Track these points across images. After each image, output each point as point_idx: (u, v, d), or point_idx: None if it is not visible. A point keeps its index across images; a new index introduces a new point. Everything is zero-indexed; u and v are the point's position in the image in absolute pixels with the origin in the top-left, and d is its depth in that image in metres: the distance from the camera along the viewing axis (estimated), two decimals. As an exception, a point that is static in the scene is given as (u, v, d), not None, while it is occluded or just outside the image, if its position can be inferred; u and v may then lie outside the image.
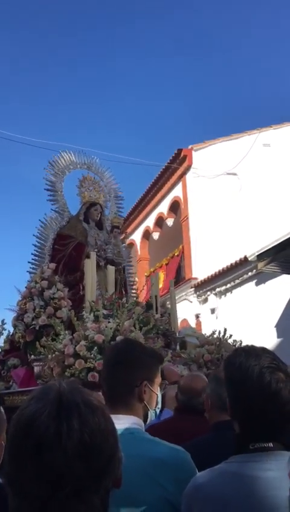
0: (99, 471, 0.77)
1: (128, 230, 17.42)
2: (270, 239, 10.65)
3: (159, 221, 16.65)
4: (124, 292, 5.76)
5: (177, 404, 2.91)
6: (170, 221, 15.95)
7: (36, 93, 36.90)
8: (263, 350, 1.41)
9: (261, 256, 10.83)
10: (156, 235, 16.96)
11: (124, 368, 1.57)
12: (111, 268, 5.13)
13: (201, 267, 13.57)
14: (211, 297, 13.31)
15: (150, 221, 17.17)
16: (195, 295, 13.87)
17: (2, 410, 1.89)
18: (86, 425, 0.77)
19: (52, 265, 4.93)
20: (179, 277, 14.93)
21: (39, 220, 5.75)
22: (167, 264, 15.90)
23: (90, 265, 4.78)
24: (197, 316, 13.62)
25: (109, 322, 4.07)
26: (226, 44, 36.46)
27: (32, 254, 5.70)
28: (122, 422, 1.43)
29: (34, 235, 5.72)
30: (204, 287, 13.42)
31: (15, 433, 0.78)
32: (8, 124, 38.11)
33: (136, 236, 17.95)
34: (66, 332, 4.18)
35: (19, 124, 36.76)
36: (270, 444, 1.29)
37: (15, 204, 38.26)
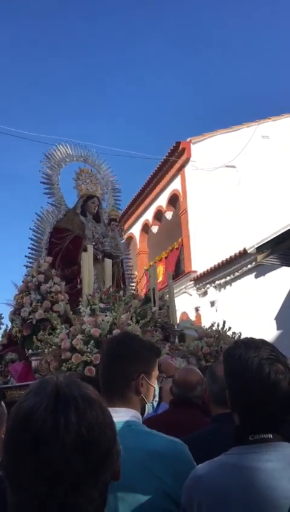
0: (97, 465, 0.77)
1: (127, 223, 17.39)
2: (269, 231, 10.62)
3: (158, 215, 16.61)
4: (122, 285, 5.72)
5: (173, 398, 2.90)
6: (169, 215, 15.91)
7: (32, 86, 36.75)
8: (263, 342, 1.42)
9: (260, 249, 10.81)
10: (155, 229, 16.93)
11: (122, 361, 1.57)
12: (108, 262, 5.08)
13: (200, 260, 13.56)
14: (211, 290, 13.30)
15: (149, 215, 17.13)
16: (195, 288, 13.86)
17: (3, 404, 1.88)
18: (83, 418, 0.77)
19: (49, 258, 4.88)
20: (179, 270, 14.92)
21: (35, 213, 5.71)
22: (166, 258, 15.88)
23: (87, 259, 4.73)
24: (196, 309, 13.62)
25: (105, 315, 4.03)
26: (225, 36, 36.28)
27: (29, 248, 5.66)
28: (119, 415, 1.42)
29: (30, 228, 5.67)
30: (204, 279, 13.41)
31: (13, 427, 0.79)
32: (3, 118, 37.94)
33: (135, 230, 17.91)
34: (63, 326, 4.14)
35: (15, 118, 36.60)
36: (270, 436, 1.30)
37: (12, 198, 38.21)
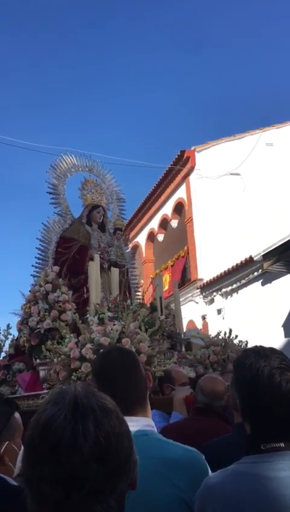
0: (114, 473, 0.79)
1: (133, 232, 17.43)
2: (275, 239, 10.62)
3: (164, 223, 16.65)
4: (128, 294, 5.73)
5: (198, 405, 2.89)
6: (174, 223, 15.95)
7: (36, 96, 37.05)
8: (272, 351, 1.43)
9: (266, 256, 10.81)
10: (160, 237, 16.96)
11: (139, 370, 1.62)
12: (115, 270, 5.10)
13: (206, 268, 13.56)
14: (217, 298, 13.28)
15: (154, 223, 17.17)
16: (201, 296, 13.85)
17: (18, 415, 1.91)
18: (101, 428, 0.78)
19: (56, 268, 4.91)
20: (185, 278, 14.92)
21: (42, 223, 5.75)
22: (172, 266, 15.89)
23: (94, 268, 4.76)
24: (203, 317, 13.60)
25: (114, 324, 4.04)
26: (228, 44, 36.50)
27: (35, 257, 5.69)
28: (135, 424, 1.42)
29: (37, 238, 5.71)
30: (210, 287, 13.41)
31: (32, 436, 0.80)
32: (9, 130, 38.27)
33: (141, 239, 17.95)
34: (72, 335, 4.15)
35: (21, 130, 36.90)
36: (282, 444, 1.30)
37: (17, 208, 38.41)
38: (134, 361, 1.65)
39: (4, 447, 1.81)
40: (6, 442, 1.82)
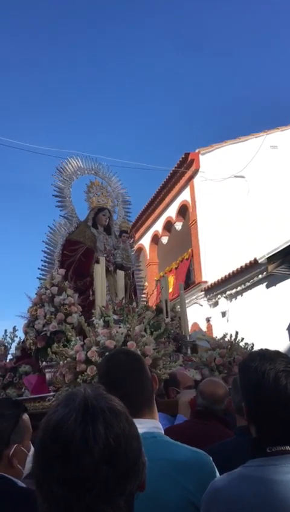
0: (124, 475, 0.79)
1: (137, 235, 17.45)
2: (280, 241, 10.62)
3: (168, 225, 16.67)
4: (133, 297, 5.75)
5: (198, 408, 2.89)
6: (178, 225, 15.97)
7: (40, 100, 37.17)
8: (278, 354, 1.43)
9: (271, 259, 10.81)
10: (164, 239, 16.98)
11: (146, 373, 1.62)
12: (121, 273, 5.11)
13: (211, 271, 13.56)
14: (222, 300, 13.28)
15: (158, 226, 17.20)
16: (205, 298, 13.85)
17: (27, 417, 1.92)
18: (111, 430, 0.79)
19: (62, 271, 4.93)
20: (189, 281, 14.92)
21: (48, 226, 5.78)
22: (176, 268, 15.90)
23: (100, 270, 4.77)
24: (207, 320, 13.60)
25: (119, 327, 4.05)
26: (232, 46, 36.53)
27: (41, 260, 5.72)
28: (143, 426, 1.42)
29: (43, 241, 5.74)
30: (214, 290, 13.41)
31: (43, 437, 0.81)
32: (11, 131, 38.39)
33: (145, 241, 17.97)
34: (78, 338, 4.16)
35: (25, 132, 37.04)
36: (288, 447, 1.30)
37: (21, 210, 38.51)
38: (140, 364, 1.65)
39: (13, 449, 1.82)
40: (15, 445, 1.83)
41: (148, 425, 1.49)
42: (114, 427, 0.80)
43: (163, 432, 1.58)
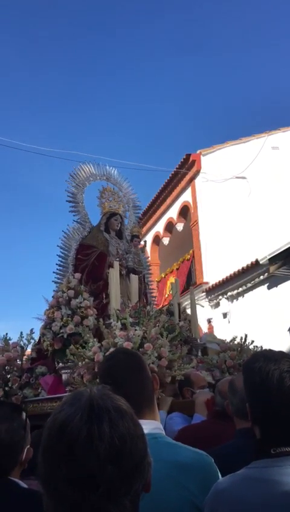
0: (129, 474, 0.80)
1: (139, 235, 17.50)
2: (281, 242, 10.73)
3: (169, 226, 16.75)
4: (144, 300, 5.88)
5: (217, 408, 2.96)
6: (179, 226, 16.05)
7: (40, 100, 37.14)
8: (282, 354, 1.43)
9: (272, 260, 10.92)
10: (166, 240, 17.06)
11: (146, 372, 1.62)
12: (135, 277, 5.24)
13: (212, 272, 13.65)
14: (223, 301, 13.36)
15: (160, 227, 17.28)
16: (207, 300, 13.93)
17: (25, 415, 1.98)
18: (116, 429, 0.80)
19: (78, 275, 5.04)
20: (190, 282, 15.01)
21: (62, 230, 5.90)
22: (177, 269, 15.98)
23: (114, 275, 4.90)
24: (209, 321, 13.68)
25: (135, 329, 4.18)
26: (234, 47, 36.60)
27: (56, 264, 5.85)
28: (144, 427, 1.49)
29: (57, 245, 5.86)
30: (216, 291, 13.49)
31: (49, 436, 0.82)
32: (14, 133, 38.36)
33: (147, 242, 18.04)
34: (95, 339, 4.30)
35: (26, 133, 36.99)
36: None
37: (19, 210, 38.49)
38: (140, 363, 1.63)
39: (25, 453, 1.88)
40: (28, 446, 1.91)
41: (150, 426, 1.47)
42: (119, 426, 0.80)
43: (164, 433, 1.59)
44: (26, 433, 1.92)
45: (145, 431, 1.35)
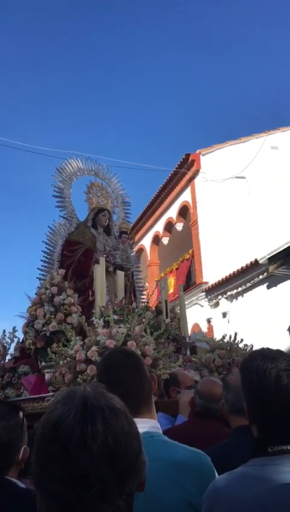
0: (123, 474, 0.79)
1: (138, 235, 17.45)
2: (280, 242, 10.64)
3: (169, 226, 16.67)
4: (132, 297, 5.74)
5: (196, 408, 2.88)
6: (179, 226, 15.97)
7: (42, 101, 37.22)
8: (280, 353, 1.43)
9: (272, 259, 10.82)
10: (165, 240, 16.98)
11: (144, 371, 1.61)
12: (121, 274, 5.11)
13: (212, 271, 13.56)
14: (223, 301, 13.27)
15: (159, 226, 17.20)
16: (206, 299, 13.84)
17: (22, 414, 1.94)
18: (109, 428, 0.78)
19: (62, 271, 4.92)
20: (190, 281, 14.92)
21: (48, 226, 5.78)
22: (177, 269, 15.90)
23: (99, 271, 4.77)
24: (208, 320, 13.59)
25: (119, 327, 4.05)
26: (233, 47, 36.56)
27: (41, 260, 5.72)
28: (142, 426, 1.42)
29: (43, 241, 5.74)
30: (215, 291, 13.40)
31: (42, 435, 0.80)
32: (14, 133, 38.46)
33: (146, 242, 17.97)
34: (77, 338, 4.16)
35: (26, 133, 37.06)
36: (289, 447, 1.29)
37: (22, 211, 38.59)
38: (138, 363, 1.64)
39: (21, 452, 1.85)
40: (24, 446, 1.86)
41: (147, 425, 1.48)
42: (113, 425, 0.79)
43: (161, 432, 1.57)
44: (23, 432, 1.89)
45: (143, 430, 1.31)
